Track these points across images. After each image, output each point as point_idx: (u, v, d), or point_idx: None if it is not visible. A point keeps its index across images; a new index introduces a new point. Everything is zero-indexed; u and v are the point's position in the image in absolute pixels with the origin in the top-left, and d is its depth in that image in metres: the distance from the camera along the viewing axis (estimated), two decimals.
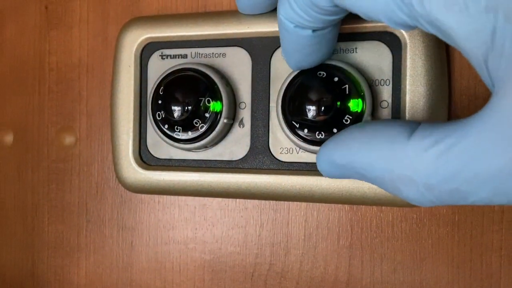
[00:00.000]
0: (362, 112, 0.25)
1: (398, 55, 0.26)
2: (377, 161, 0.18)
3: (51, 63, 0.35)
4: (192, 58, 0.29)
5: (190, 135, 0.28)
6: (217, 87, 0.28)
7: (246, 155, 0.29)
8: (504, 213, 0.27)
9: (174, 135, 0.28)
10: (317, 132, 0.25)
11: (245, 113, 0.29)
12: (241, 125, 0.29)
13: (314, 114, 0.25)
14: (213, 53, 0.29)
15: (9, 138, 0.36)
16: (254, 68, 0.28)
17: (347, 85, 0.25)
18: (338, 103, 0.25)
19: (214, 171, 0.29)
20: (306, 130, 0.25)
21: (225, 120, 0.28)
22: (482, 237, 0.27)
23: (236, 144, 0.29)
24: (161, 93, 0.28)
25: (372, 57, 0.26)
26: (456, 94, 0.27)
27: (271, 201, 0.31)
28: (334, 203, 0.29)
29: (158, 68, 0.30)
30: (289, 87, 0.26)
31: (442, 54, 0.26)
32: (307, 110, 0.25)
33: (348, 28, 0.26)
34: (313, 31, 0.22)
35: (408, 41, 0.25)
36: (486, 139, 0.15)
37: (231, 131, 0.29)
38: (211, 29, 0.29)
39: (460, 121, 0.17)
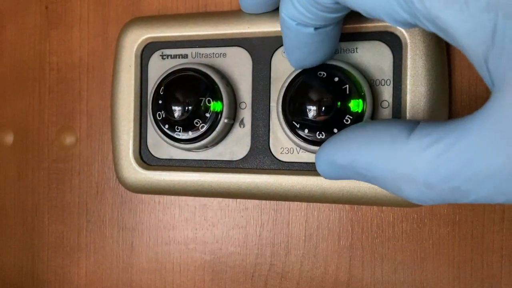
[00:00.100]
0: (363, 112, 0.25)
1: (398, 55, 0.26)
2: (378, 160, 0.18)
3: (52, 63, 0.35)
4: (192, 58, 0.29)
5: (190, 135, 0.28)
6: (218, 87, 0.28)
7: (247, 155, 0.28)
8: (505, 213, 0.27)
9: (175, 135, 0.28)
10: (318, 132, 0.25)
11: (246, 113, 0.28)
12: (242, 125, 0.29)
13: (315, 114, 0.25)
14: (213, 53, 0.29)
15: (9, 138, 0.36)
16: (254, 68, 0.28)
17: (347, 85, 0.25)
18: (339, 103, 0.25)
19: (214, 171, 0.29)
20: (306, 130, 0.25)
21: (225, 120, 0.27)
22: (483, 237, 0.27)
23: (237, 144, 0.29)
24: (161, 93, 0.28)
25: (372, 57, 0.26)
26: (456, 93, 0.27)
27: (271, 201, 0.31)
28: (334, 203, 0.29)
29: (158, 68, 0.30)
30: (290, 87, 0.26)
31: (443, 53, 0.26)
32: (307, 110, 0.25)
33: (349, 28, 0.26)
34: (315, 29, 0.22)
35: (408, 41, 0.25)
36: (486, 138, 0.15)
37: (232, 131, 0.29)
38: (211, 29, 0.29)
39: (460, 119, 0.17)
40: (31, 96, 0.36)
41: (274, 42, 0.28)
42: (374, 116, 0.26)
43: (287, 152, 0.28)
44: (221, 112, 0.28)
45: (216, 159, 0.29)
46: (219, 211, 0.32)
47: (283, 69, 0.28)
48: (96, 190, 0.34)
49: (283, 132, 0.27)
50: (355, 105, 0.25)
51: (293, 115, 0.26)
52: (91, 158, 0.34)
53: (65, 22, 0.35)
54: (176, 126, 0.28)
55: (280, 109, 0.26)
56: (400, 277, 0.29)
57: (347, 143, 0.20)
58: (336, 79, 0.25)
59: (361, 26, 0.26)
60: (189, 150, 0.29)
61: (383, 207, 0.29)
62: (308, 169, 0.27)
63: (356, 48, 0.26)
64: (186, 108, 0.27)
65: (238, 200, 0.31)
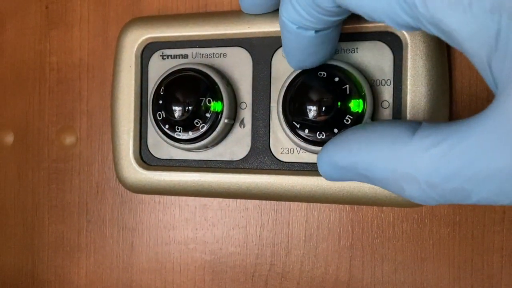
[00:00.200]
0: (363, 112, 0.25)
1: (399, 55, 0.26)
2: (380, 161, 0.18)
3: (52, 63, 0.35)
4: (192, 58, 0.29)
5: (190, 135, 0.28)
6: (218, 87, 0.28)
7: (247, 155, 0.28)
8: (505, 213, 0.27)
9: (175, 135, 0.28)
10: (318, 132, 0.25)
11: (246, 113, 0.28)
12: (242, 125, 0.29)
13: (315, 114, 0.25)
14: (213, 53, 0.29)
15: (9, 138, 0.36)
16: (254, 68, 0.28)
17: (348, 85, 0.25)
18: (339, 103, 0.25)
19: (214, 171, 0.29)
20: (307, 130, 0.25)
21: (225, 120, 0.27)
22: (483, 237, 0.27)
23: (237, 144, 0.29)
24: (161, 93, 0.28)
25: (373, 57, 0.26)
26: (457, 93, 0.27)
27: (271, 202, 0.31)
28: (335, 203, 0.29)
29: (158, 68, 0.30)
30: (290, 87, 0.26)
31: (443, 53, 0.26)
32: (308, 110, 0.25)
33: (349, 28, 0.26)
34: (316, 31, 0.22)
35: (409, 41, 0.25)
36: (489, 139, 0.15)
37: (232, 131, 0.29)
38: (211, 29, 0.29)
39: (463, 121, 0.17)
40: (31, 96, 0.36)
41: (274, 42, 0.28)
42: (374, 116, 0.26)
43: (287, 152, 0.28)
44: (222, 112, 0.27)
45: (216, 159, 0.29)
46: (219, 211, 0.32)
47: (283, 69, 0.28)
48: (96, 190, 0.34)
49: (284, 132, 0.27)
50: (355, 105, 0.25)
51: (294, 115, 0.26)
52: (91, 158, 0.34)
53: (65, 22, 0.35)
54: (177, 126, 0.28)
55: (280, 109, 0.26)
56: (400, 277, 0.29)
57: (348, 144, 0.20)
58: (337, 79, 0.25)
59: (361, 26, 0.26)
60: (189, 150, 0.29)
61: (384, 207, 0.29)
62: (309, 169, 0.27)
63: (357, 48, 0.26)
64: (186, 108, 0.27)
65: (238, 200, 0.31)
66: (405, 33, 0.25)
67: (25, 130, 0.36)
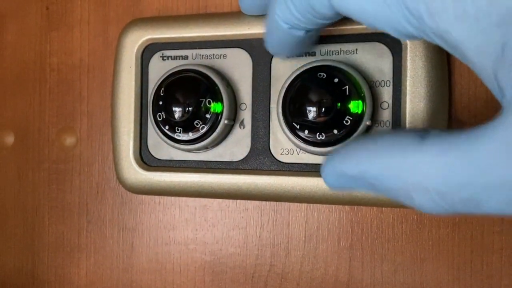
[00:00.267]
0: (363, 113, 0.25)
1: (398, 57, 0.26)
2: (389, 170, 0.18)
3: (52, 63, 0.35)
4: (192, 59, 0.29)
5: (190, 136, 0.28)
6: (218, 88, 0.28)
7: (247, 156, 0.29)
8: None
9: (175, 136, 0.28)
10: (318, 133, 0.25)
11: (246, 114, 0.29)
12: (242, 126, 0.29)
13: (315, 115, 0.25)
14: (213, 54, 0.29)
15: (10, 139, 0.36)
16: (254, 69, 0.28)
17: (347, 86, 0.25)
18: (339, 104, 0.25)
19: (214, 172, 0.29)
20: (306, 131, 0.25)
21: (225, 121, 0.28)
22: (482, 238, 0.27)
23: (237, 145, 0.29)
24: (162, 94, 0.28)
25: (372, 59, 0.26)
26: (456, 94, 0.27)
27: (271, 202, 0.31)
28: (334, 204, 0.29)
29: (159, 69, 0.30)
30: (290, 88, 0.26)
31: (443, 55, 0.26)
32: (307, 111, 0.25)
33: (349, 30, 0.26)
34: (306, 32, 0.22)
35: (408, 42, 0.25)
36: (499, 150, 0.15)
37: (232, 132, 0.29)
38: (211, 30, 0.29)
39: (473, 129, 0.17)
40: (32, 97, 0.36)
41: None
42: (374, 117, 0.26)
43: (287, 153, 0.28)
44: (221, 113, 0.28)
45: (216, 160, 0.29)
46: (219, 212, 0.32)
47: (283, 70, 0.28)
48: (97, 191, 0.34)
49: (283, 133, 0.27)
50: (355, 106, 0.25)
51: (293, 116, 0.26)
52: (91, 159, 0.34)
53: (66, 23, 0.35)
54: (177, 127, 0.28)
55: (280, 110, 0.26)
56: (400, 278, 0.29)
57: (357, 154, 0.20)
58: (336, 80, 0.25)
59: (361, 27, 0.26)
60: (189, 151, 0.29)
61: (383, 208, 0.29)
62: (308, 170, 0.27)
63: (356, 50, 0.27)
64: (187, 109, 0.27)
65: (238, 201, 0.31)
66: None
67: (26, 130, 0.36)
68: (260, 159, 0.28)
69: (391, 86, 0.26)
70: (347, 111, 0.25)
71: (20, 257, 0.36)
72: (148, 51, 0.30)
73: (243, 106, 0.29)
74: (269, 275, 0.31)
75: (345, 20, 0.24)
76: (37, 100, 0.35)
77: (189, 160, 0.30)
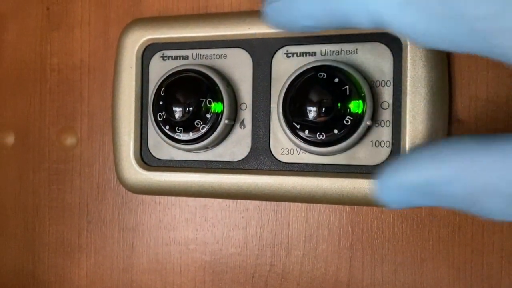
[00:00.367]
0: (363, 113, 0.25)
1: (398, 56, 0.26)
2: (459, 173, 0.17)
3: (53, 64, 0.35)
4: (193, 59, 0.30)
5: (191, 136, 0.28)
6: (218, 88, 0.28)
7: (247, 156, 0.29)
8: None
9: (175, 136, 0.28)
10: (318, 133, 0.25)
11: (246, 114, 0.29)
12: (242, 126, 0.29)
13: (315, 115, 0.25)
14: (214, 54, 0.29)
15: (10, 139, 0.36)
16: (255, 69, 0.28)
17: (347, 86, 0.25)
18: (339, 104, 0.25)
19: (215, 172, 0.29)
20: (307, 131, 0.26)
21: (226, 121, 0.28)
22: (483, 238, 0.27)
23: (237, 145, 0.29)
24: (162, 94, 0.28)
25: (373, 58, 0.26)
26: (456, 94, 0.27)
27: (272, 202, 0.31)
28: (335, 204, 0.29)
29: (159, 69, 0.30)
30: (290, 88, 0.26)
31: (443, 54, 0.26)
32: (308, 111, 0.25)
33: (349, 30, 0.26)
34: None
35: (408, 42, 0.25)
36: None
37: (232, 132, 0.29)
38: (212, 31, 0.29)
39: None
40: (32, 97, 0.36)
41: (274, 43, 0.28)
42: (374, 117, 0.26)
43: (287, 153, 0.28)
44: (222, 113, 0.28)
45: (217, 160, 0.29)
46: (220, 211, 0.32)
47: (283, 70, 0.28)
48: (97, 191, 0.34)
49: (284, 133, 0.27)
50: (355, 106, 0.25)
51: (294, 116, 0.26)
52: (91, 159, 0.34)
53: (66, 24, 0.35)
54: (177, 127, 0.28)
55: (280, 110, 0.26)
56: (400, 278, 0.29)
57: (419, 161, 0.18)
58: (336, 80, 0.25)
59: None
60: (189, 151, 0.29)
61: (383, 208, 0.29)
62: (309, 170, 0.27)
63: (357, 50, 0.27)
64: (187, 109, 0.27)
65: (238, 201, 0.31)
66: None
67: (26, 131, 0.36)
68: (260, 159, 0.28)
69: (391, 86, 0.26)
70: (347, 111, 0.25)
71: (20, 257, 0.36)
72: (148, 51, 0.30)
73: (243, 106, 0.29)
74: (270, 275, 0.31)
75: None
76: (37, 101, 0.35)
77: (189, 160, 0.30)
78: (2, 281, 0.37)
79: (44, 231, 0.36)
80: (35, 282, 0.36)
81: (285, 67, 0.28)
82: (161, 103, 0.28)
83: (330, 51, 0.27)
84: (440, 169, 0.18)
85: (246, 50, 0.29)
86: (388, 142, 0.26)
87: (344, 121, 0.25)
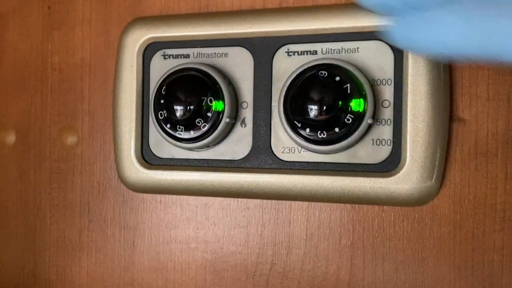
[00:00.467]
0: (364, 111, 0.25)
1: (399, 55, 0.26)
2: None
3: (54, 63, 0.35)
4: (194, 58, 0.30)
5: (192, 134, 0.28)
6: (219, 86, 0.28)
7: (248, 154, 0.29)
8: (506, 212, 0.27)
9: (176, 134, 0.28)
10: (319, 132, 0.25)
11: (247, 113, 0.29)
12: (243, 125, 0.29)
13: (316, 113, 0.25)
14: (215, 53, 0.29)
15: (11, 138, 0.36)
16: (256, 68, 0.28)
17: (348, 85, 0.25)
18: (340, 102, 0.25)
19: (216, 171, 0.29)
20: (308, 130, 0.26)
21: (227, 120, 0.28)
22: (484, 237, 0.27)
23: (238, 144, 0.29)
24: (163, 93, 0.28)
25: (374, 57, 0.26)
26: (457, 93, 0.27)
27: (273, 201, 0.31)
28: (336, 203, 0.29)
29: (160, 68, 0.30)
30: (291, 87, 0.26)
31: None
32: (309, 109, 0.25)
33: (350, 28, 0.26)
34: None
35: None
36: None
37: (233, 130, 0.29)
38: (213, 29, 0.29)
39: None
40: (33, 96, 0.36)
41: (275, 42, 0.28)
42: (375, 116, 0.26)
43: (288, 151, 0.28)
44: (223, 111, 0.28)
45: (218, 158, 0.29)
46: (221, 210, 0.32)
47: (284, 69, 0.28)
48: (98, 190, 0.34)
49: (285, 132, 0.27)
50: (356, 104, 0.25)
51: (295, 115, 0.26)
52: (93, 158, 0.34)
53: (67, 22, 0.35)
54: (178, 126, 0.28)
55: (281, 108, 0.26)
56: (401, 277, 0.29)
57: None
58: (337, 78, 0.25)
59: (362, 26, 0.26)
60: (190, 149, 0.29)
61: (384, 207, 0.29)
62: (310, 168, 0.27)
63: (358, 48, 0.27)
64: (188, 107, 0.27)
65: (239, 199, 0.31)
66: None
67: (27, 129, 0.36)
68: (261, 157, 0.28)
69: (392, 85, 0.26)
70: (348, 110, 0.25)
71: (21, 256, 0.36)
72: (149, 50, 0.30)
73: (244, 105, 0.29)
74: (271, 274, 0.31)
75: (346, 18, 0.24)
76: (38, 99, 0.36)
77: (190, 159, 0.30)
78: (3, 280, 0.37)
79: (45, 229, 0.36)
80: (36, 280, 0.36)
81: (286, 66, 0.28)
82: (162, 101, 0.28)
83: (331, 49, 0.27)
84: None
85: (247, 49, 0.29)
86: (389, 141, 0.26)
87: (345, 120, 0.25)
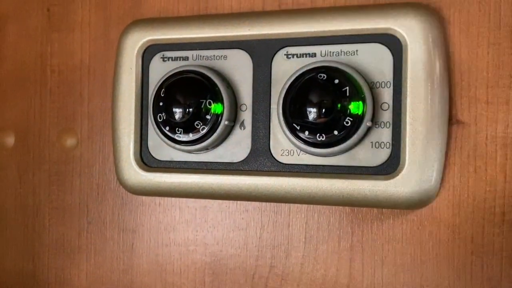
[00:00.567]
0: (363, 114, 0.25)
1: (399, 57, 0.26)
2: None
3: (53, 65, 0.35)
4: (193, 60, 0.30)
5: (191, 137, 0.28)
6: (218, 89, 0.28)
7: (247, 157, 0.29)
8: (505, 215, 0.27)
9: (175, 137, 0.28)
10: (318, 134, 0.25)
11: (246, 115, 0.29)
12: (242, 127, 0.29)
13: (315, 116, 0.25)
14: (214, 55, 0.29)
15: (10, 140, 0.36)
16: (255, 70, 0.28)
17: (347, 87, 0.25)
18: (339, 105, 0.25)
19: (215, 173, 0.29)
20: (307, 132, 0.26)
21: (226, 122, 0.28)
22: (482, 240, 0.27)
23: (237, 146, 0.29)
24: (162, 95, 0.28)
25: (373, 59, 0.26)
26: (456, 95, 0.27)
27: (272, 203, 0.31)
28: (335, 205, 0.29)
29: (159, 70, 0.30)
30: (290, 89, 0.26)
31: (443, 56, 0.26)
32: (308, 112, 0.25)
33: (349, 31, 0.26)
34: None
35: (408, 43, 0.25)
36: None
37: (232, 133, 0.29)
38: (212, 32, 0.29)
39: None
40: (33, 98, 0.36)
41: (274, 44, 0.28)
42: (374, 118, 0.26)
43: (287, 154, 0.28)
44: (222, 114, 0.28)
45: (217, 161, 0.29)
46: (220, 213, 0.32)
47: (283, 71, 0.28)
48: (97, 192, 0.34)
49: (284, 134, 0.27)
50: (355, 107, 0.25)
51: (294, 117, 0.26)
52: (92, 160, 0.34)
53: (67, 25, 0.35)
54: (177, 128, 0.28)
55: (280, 111, 0.26)
56: (400, 279, 0.29)
57: None
58: (336, 81, 0.25)
59: (361, 28, 0.26)
60: (189, 152, 0.29)
61: (383, 209, 0.29)
62: (309, 171, 0.27)
63: (357, 51, 0.27)
64: (187, 110, 0.27)
65: (238, 202, 0.31)
66: (405, 35, 0.25)
67: (26, 132, 0.36)
68: (260, 160, 0.28)
69: (391, 87, 0.26)
70: (347, 112, 0.25)
71: (20, 259, 0.36)
72: (148, 53, 0.30)
73: (243, 107, 0.29)
74: (270, 276, 0.31)
75: (345, 20, 0.24)
76: (37, 102, 0.36)
77: (189, 161, 0.30)
78: (2, 282, 0.37)
79: (44, 232, 0.36)
80: (35, 282, 0.36)
81: (285, 68, 0.28)
82: (161, 104, 0.28)
83: (330, 52, 0.27)
84: None
85: (246, 51, 0.29)
86: (388, 143, 0.26)
87: (344, 122, 0.25)
